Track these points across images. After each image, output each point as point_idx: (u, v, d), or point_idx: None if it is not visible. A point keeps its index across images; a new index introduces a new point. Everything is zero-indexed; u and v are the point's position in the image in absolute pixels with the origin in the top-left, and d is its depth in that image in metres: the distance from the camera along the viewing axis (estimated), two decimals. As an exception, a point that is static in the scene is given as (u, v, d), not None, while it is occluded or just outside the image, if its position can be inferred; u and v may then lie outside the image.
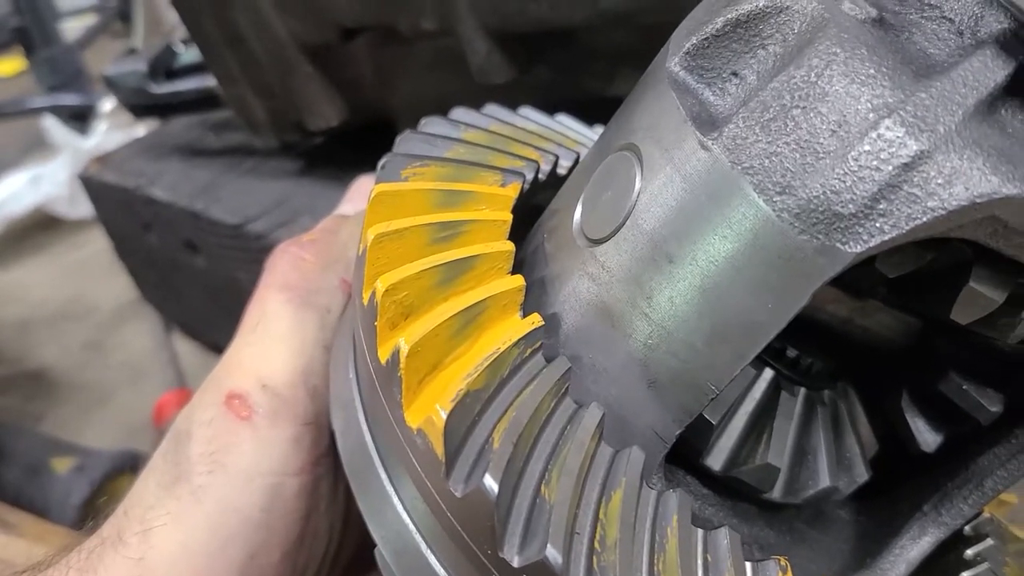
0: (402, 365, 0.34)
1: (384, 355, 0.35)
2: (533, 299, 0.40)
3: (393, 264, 0.38)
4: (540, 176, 0.48)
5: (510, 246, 0.40)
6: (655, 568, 0.32)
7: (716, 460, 0.42)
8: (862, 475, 0.45)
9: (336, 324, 0.52)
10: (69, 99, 2.74)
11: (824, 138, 0.32)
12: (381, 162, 0.45)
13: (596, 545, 0.32)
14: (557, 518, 0.32)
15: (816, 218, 0.32)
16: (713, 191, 0.34)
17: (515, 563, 0.31)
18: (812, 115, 0.32)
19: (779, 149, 0.32)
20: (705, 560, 0.33)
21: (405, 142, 0.46)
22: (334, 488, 0.51)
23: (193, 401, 0.49)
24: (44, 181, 2.52)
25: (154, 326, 1.93)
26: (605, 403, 0.37)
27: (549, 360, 0.37)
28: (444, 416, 0.32)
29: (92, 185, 1.44)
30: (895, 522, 0.45)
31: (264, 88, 1.10)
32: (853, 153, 0.31)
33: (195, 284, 1.38)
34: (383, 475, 0.39)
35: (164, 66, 1.31)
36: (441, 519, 0.35)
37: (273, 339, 0.50)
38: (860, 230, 0.31)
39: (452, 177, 0.44)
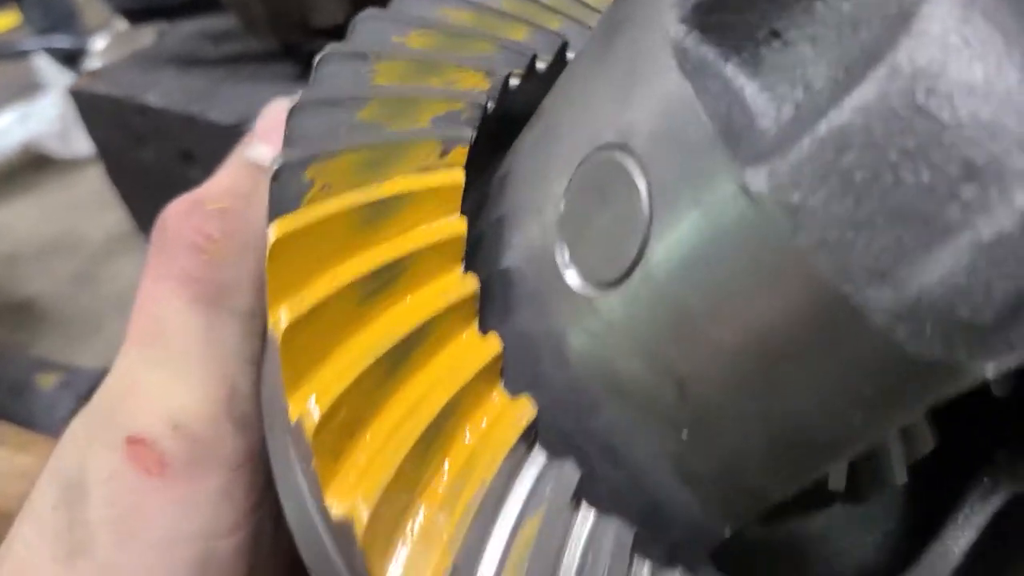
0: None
1: (339, 515, 0.25)
2: (512, 357, 0.29)
3: (317, 362, 0.27)
4: (490, 105, 0.34)
5: (470, 289, 0.29)
6: None
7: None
8: (928, 444, 0.37)
9: (262, 333, 0.39)
10: (61, 41, 2.59)
11: (944, 203, 0.20)
12: (274, 167, 0.31)
13: None
14: None
15: (931, 324, 0.21)
16: (766, 262, 0.22)
17: None
18: (924, 164, 0.20)
19: (871, 217, 0.21)
20: None
21: (300, 116, 0.32)
22: (275, 531, 0.40)
23: (79, 433, 0.37)
24: (34, 118, 2.37)
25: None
26: (625, 491, 0.28)
27: (549, 457, 0.27)
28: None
29: (83, 99, 1.35)
30: (960, 484, 0.38)
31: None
32: (992, 227, 0.20)
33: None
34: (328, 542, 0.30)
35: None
36: None
37: (180, 359, 0.37)
38: (998, 342, 0.21)
39: (373, 165, 0.31)
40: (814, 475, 0.26)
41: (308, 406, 0.26)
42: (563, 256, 0.28)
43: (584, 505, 0.27)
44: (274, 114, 0.45)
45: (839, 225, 0.21)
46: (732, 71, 0.24)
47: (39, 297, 2.09)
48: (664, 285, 0.25)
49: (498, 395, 0.28)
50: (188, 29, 1.37)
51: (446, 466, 0.27)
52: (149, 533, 0.35)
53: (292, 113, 0.32)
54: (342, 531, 0.25)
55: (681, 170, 0.24)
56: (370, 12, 0.37)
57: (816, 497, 0.36)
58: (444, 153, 0.32)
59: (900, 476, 0.35)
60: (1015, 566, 0.36)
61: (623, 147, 0.26)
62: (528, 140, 0.34)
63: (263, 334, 0.39)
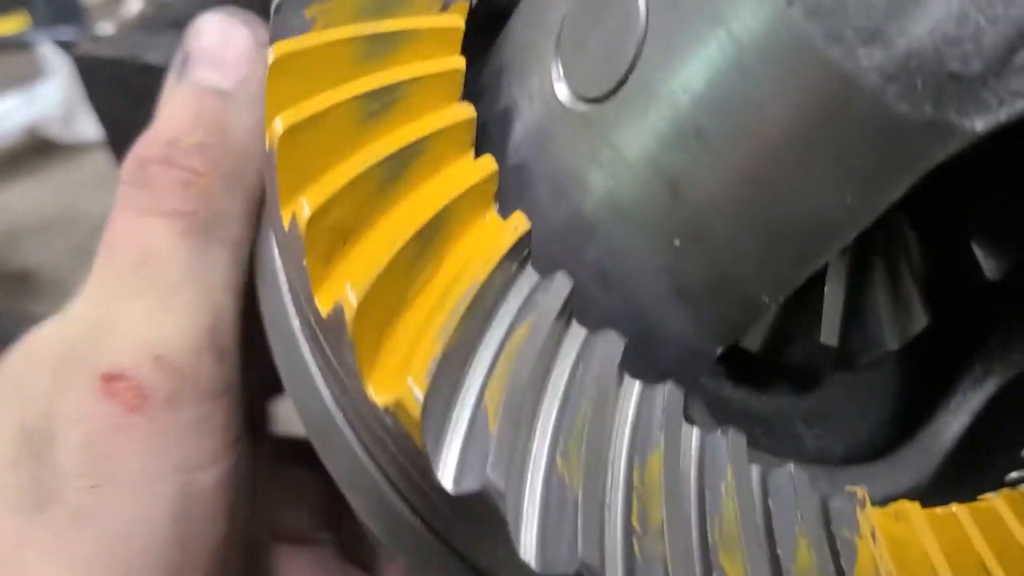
0: (350, 328, 0.24)
1: (325, 307, 0.26)
2: (507, 182, 0.30)
3: (314, 167, 0.27)
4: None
5: (468, 113, 0.29)
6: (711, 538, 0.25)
7: (754, 340, 0.34)
8: (921, 322, 0.37)
9: (246, 262, 0.38)
10: (66, 33, 2.62)
11: None
12: (275, 4, 0.32)
13: (635, 525, 0.25)
14: (587, 512, 0.24)
15: (921, 80, 0.21)
16: (759, 39, 0.23)
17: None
18: None
19: None
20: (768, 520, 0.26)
21: None
22: (252, 460, 0.40)
23: (41, 384, 0.35)
24: (37, 103, 2.37)
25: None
26: (619, 319, 0.28)
27: (542, 274, 0.27)
28: (420, 398, 0.23)
29: (84, 63, 1.30)
30: (954, 367, 0.38)
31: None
32: None
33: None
34: (358, 450, 0.30)
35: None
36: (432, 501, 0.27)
37: (166, 290, 0.36)
38: (987, 96, 0.21)
39: (374, 10, 0.31)
40: (804, 272, 0.26)
41: (301, 205, 0.26)
42: (558, 76, 0.29)
43: (575, 323, 0.27)
44: (211, 35, 0.44)
45: None
46: None
47: (38, 268, 2.09)
48: (658, 86, 0.25)
49: (491, 216, 0.28)
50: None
51: (438, 270, 0.27)
52: (126, 473, 0.34)
53: None
54: (331, 323, 0.25)
55: None
56: None
57: (809, 368, 0.36)
58: (445, 7, 0.33)
59: (891, 342, 0.35)
60: (1007, 451, 0.36)
61: None
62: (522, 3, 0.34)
63: (247, 264, 0.39)
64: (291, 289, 0.32)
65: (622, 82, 0.26)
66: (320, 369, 0.31)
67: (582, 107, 0.28)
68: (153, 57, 1.17)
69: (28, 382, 0.35)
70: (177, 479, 0.34)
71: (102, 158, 1.59)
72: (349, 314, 0.24)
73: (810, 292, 0.33)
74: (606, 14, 0.27)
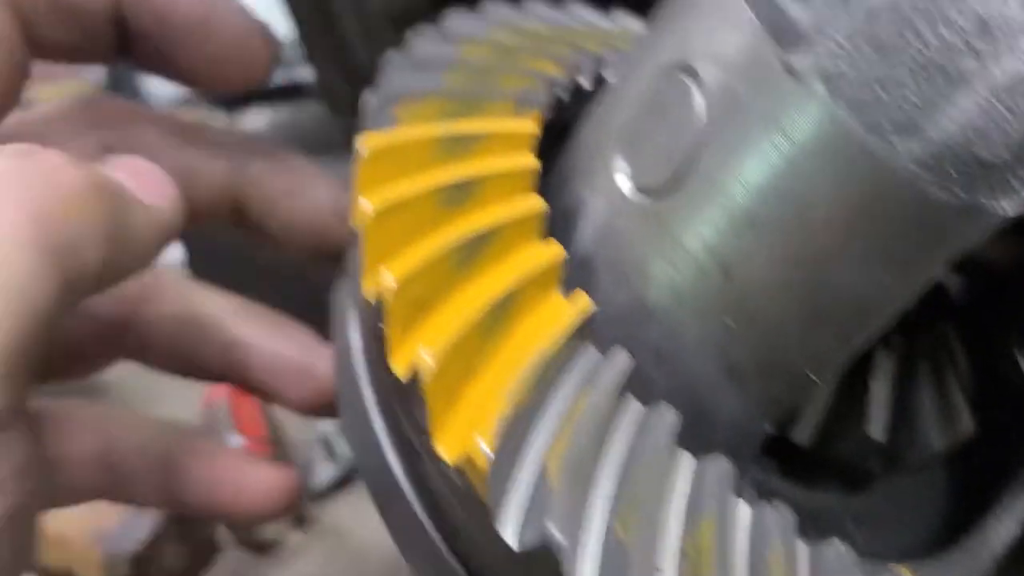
0: (425, 387, 0.26)
1: (401, 369, 0.28)
2: (572, 270, 0.32)
3: (398, 245, 0.30)
4: (561, 94, 0.38)
5: (539, 206, 0.32)
6: None
7: (803, 433, 0.35)
8: (967, 427, 0.38)
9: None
10: None
11: (961, 55, 0.23)
12: (365, 100, 0.36)
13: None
14: (641, 567, 0.25)
15: (954, 167, 0.24)
16: (806, 132, 0.26)
17: None
18: (943, 23, 0.23)
19: (897, 73, 0.24)
20: None
21: (392, 70, 0.37)
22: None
23: None
24: None
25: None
26: (673, 396, 0.30)
27: (602, 352, 0.29)
28: (488, 453, 0.25)
29: None
30: (1002, 473, 0.38)
31: (352, 71, 1.04)
32: (1003, 72, 0.23)
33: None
34: (416, 508, 0.32)
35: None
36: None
37: None
38: (1015, 181, 0.24)
39: (455, 113, 0.35)
40: (847, 349, 0.28)
41: (386, 276, 0.28)
42: (622, 172, 0.31)
43: (632, 398, 0.29)
44: None
45: (870, 85, 0.24)
46: None
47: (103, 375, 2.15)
48: (715, 180, 0.28)
49: (557, 297, 0.30)
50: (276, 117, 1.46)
51: (507, 341, 0.29)
52: None
53: (382, 69, 0.37)
54: (407, 384, 0.27)
55: (730, 64, 0.27)
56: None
57: (859, 466, 0.37)
58: (518, 113, 0.36)
59: (938, 444, 0.36)
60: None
61: (682, 66, 0.29)
62: (590, 110, 0.37)
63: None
64: (367, 359, 0.34)
65: (682, 177, 0.29)
66: (390, 439, 0.33)
67: (644, 200, 0.30)
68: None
69: None
70: None
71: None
72: (425, 375, 0.26)
73: (859, 389, 0.35)
74: (667, 117, 0.30)
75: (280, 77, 1.32)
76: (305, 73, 1.28)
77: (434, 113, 0.35)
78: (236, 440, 0.81)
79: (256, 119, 1.48)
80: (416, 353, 0.27)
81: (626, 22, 0.48)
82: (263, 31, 0.45)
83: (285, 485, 0.47)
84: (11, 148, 0.33)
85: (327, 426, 0.91)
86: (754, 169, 0.27)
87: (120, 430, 0.44)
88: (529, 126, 0.35)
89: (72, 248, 0.31)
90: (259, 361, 0.48)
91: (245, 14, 0.45)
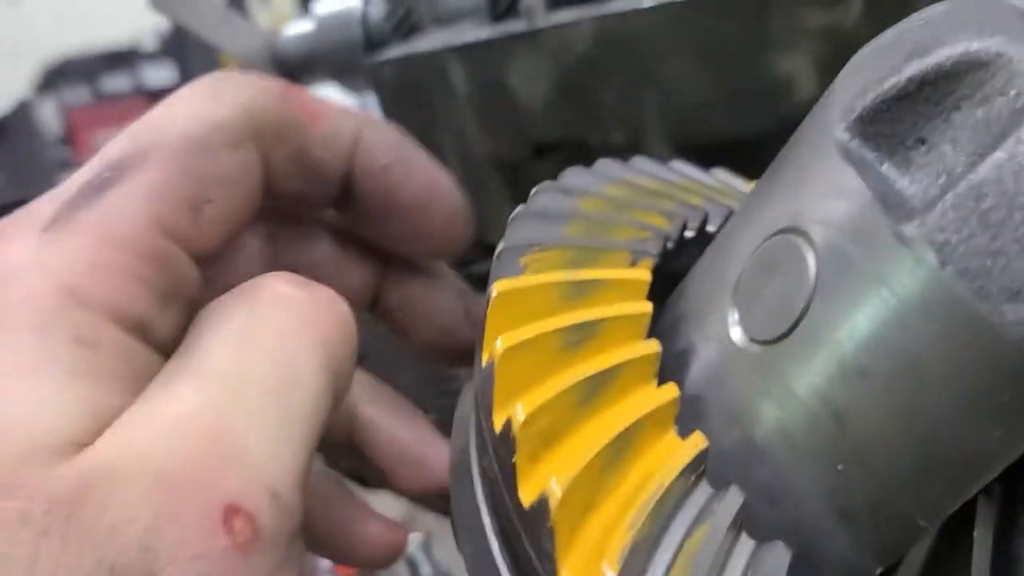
0: (553, 515, 0.29)
1: (528, 499, 0.30)
2: (684, 410, 0.34)
3: (525, 381, 0.33)
4: (669, 244, 0.42)
5: (655, 348, 0.34)
6: None
7: (905, 579, 0.36)
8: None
9: None
10: None
11: None
12: (497, 251, 0.39)
13: None
14: None
15: None
16: (916, 295, 0.28)
17: None
18: None
19: (1004, 246, 0.26)
20: None
21: (518, 223, 0.40)
22: None
23: (136, 508, 0.27)
24: None
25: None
26: (783, 535, 0.31)
27: (715, 488, 0.31)
28: None
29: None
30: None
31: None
32: None
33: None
34: None
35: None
36: None
37: (293, 415, 0.32)
38: None
39: (575, 262, 0.38)
40: (958, 498, 0.29)
41: (516, 409, 0.31)
42: (734, 321, 0.34)
43: (744, 534, 0.31)
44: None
45: (979, 256, 0.27)
46: (887, 170, 0.31)
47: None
48: (825, 332, 0.30)
49: (672, 435, 0.33)
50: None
51: (626, 476, 0.31)
52: None
53: (512, 220, 0.40)
54: (533, 513, 0.29)
55: (842, 230, 0.30)
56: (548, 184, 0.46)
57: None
58: (633, 263, 0.39)
59: None
60: None
61: (794, 229, 0.32)
62: (699, 262, 0.40)
63: None
64: (488, 488, 0.37)
65: (792, 328, 0.31)
66: (507, 566, 0.35)
67: (755, 348, 0.33)
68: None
69: (115, 502, 0.27)
70: None
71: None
72: (553, 503, 0.29)
73: (960, 537, 0.36)
74: (779, 273, 0.32)
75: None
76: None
77: (557, 262, 0.38)
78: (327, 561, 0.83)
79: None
80: (546, 483, 0.29)
81: (725, 177, 0.51)
82: (468, 214, 0.51)
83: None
84: (294, 277, 0.36)
85: (412, 546, 0.92)
86: (864, 325, 0.29)
87: None
88: (643, 274, 0.38)
89: (344, 372, 0.36)
90: (375, 438, 0.51)
91: (458, 197, 0.50)
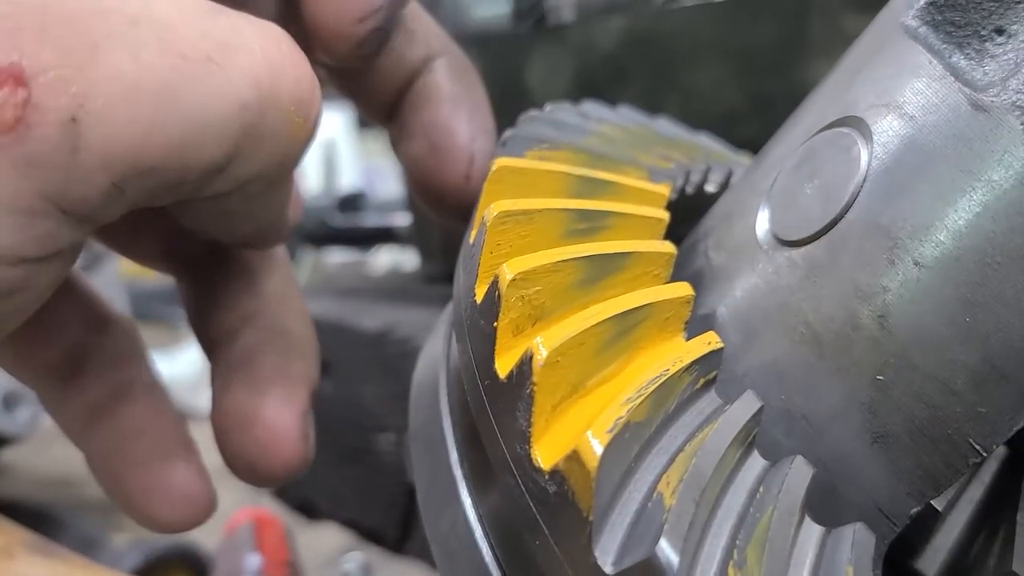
0: (535, 379, 0.23)
1: (504, 367, 0.25)
2: (696, 323, 0.29)
3: (519, 252, 0.28)
4: (688, 189, 0.37)
5: (671, 247, 0.30)
6: None
7: (930, 564, 0.31)
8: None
9: None
10: None
11: None
12: (503, 138, 0.35)
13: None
14: None
15: None
16: (994, 166, 0.24)
17: None
18: None
19: None
20: None
21: (529, 123, 0.36)
22: None
23: None
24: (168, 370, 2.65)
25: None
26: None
27: (728, 396, 0.26)
28: (599, 451, 0.21)
29: None
30: None
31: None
32: None
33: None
34: (484, 548, 0.28)
35: (350, 203, 1.70)
36: None
37: None
38: None
39: (589, 164, 0.34)
40: (1020, 413, 0.24)
41: (503, 272, 0.26)
42: (764, 224, 0.29)
43: (757, 454, 0.25)
44: None
45: None
46: (957, 61, 0.27)
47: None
48: (874, 216, 0.26)
49: (680, 337, 0.28)
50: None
51: (624, 367, 0.26)
52: None
53: (520, 121, 0.36)
54: (510, 382, 0.24)
55: (904, 108, 0.26)
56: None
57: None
58: (650, 180, 0.35)
59: None
60: None
61: (845, 120, 0.28)
62: (726, 192, 0.36)
63: None
64: (455, 379, 0.31)
65: (832, 223, 0.27)
66: (465, 476, 0.30)
67: (787, 251, 0.28)
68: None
69: None
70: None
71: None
72: (536, 363, 0.23)
73: (998, 520, 0.30)
74: (821, 169, 0.28)
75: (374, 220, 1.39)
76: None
77: (569, 160, 0.34)
78: (255, 560, 0.76)
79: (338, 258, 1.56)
80: (528, 348, 0.24)
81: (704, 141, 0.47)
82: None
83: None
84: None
85: (350, 564, 0.85)
86: (927, 207, 0.25)
87: None
88: (663, 188, 0.34)
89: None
90: None
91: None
